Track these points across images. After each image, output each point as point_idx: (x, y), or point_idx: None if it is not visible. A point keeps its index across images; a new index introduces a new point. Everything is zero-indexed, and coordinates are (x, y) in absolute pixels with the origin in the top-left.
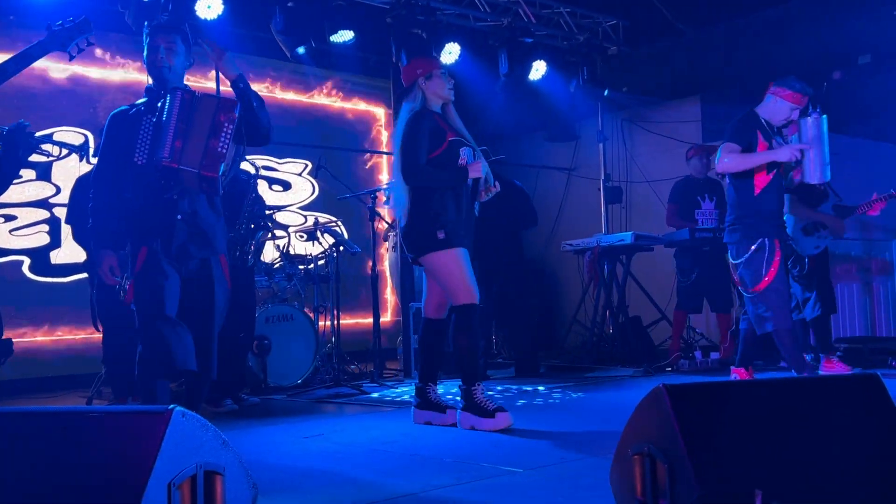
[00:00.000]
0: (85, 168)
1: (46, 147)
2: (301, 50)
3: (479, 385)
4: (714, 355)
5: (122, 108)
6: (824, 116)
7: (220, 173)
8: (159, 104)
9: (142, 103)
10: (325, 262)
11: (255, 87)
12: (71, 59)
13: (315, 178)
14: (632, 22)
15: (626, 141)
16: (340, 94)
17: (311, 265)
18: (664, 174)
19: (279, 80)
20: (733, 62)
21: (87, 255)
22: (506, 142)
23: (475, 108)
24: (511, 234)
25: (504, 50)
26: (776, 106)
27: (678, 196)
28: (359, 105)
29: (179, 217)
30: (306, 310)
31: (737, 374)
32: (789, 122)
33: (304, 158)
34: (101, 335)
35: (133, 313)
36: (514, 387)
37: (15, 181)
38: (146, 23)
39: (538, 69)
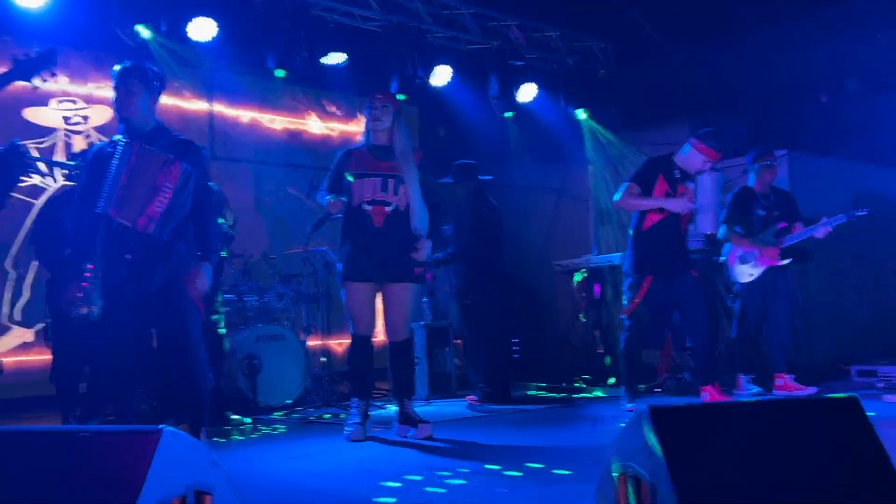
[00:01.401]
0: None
1: (41, 167)
2: (281, 73)
3: (355, 401)
4: None
5: (102, 143)
6: (720, 174)
7: (155, 230)
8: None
9: (115, 142)
10: (316, 282)
11: (246, 109)
12: (34, 89)
13: (308, 198)
14: (621, 45)
15: (614, 161)
16: (333, 114)
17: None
18: None
19: (272, 100)
20: (721, 84)
21: (51, 275)
22: (496, 162)
23: (466, 130)
24: (486, 253)
25: (494, 72)
26: (693, 157)
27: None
28: (352, 126)
29: (128, 256)
30: (297, 329)
31: (706, 391)
32: (699, 173)
33: (297, 178)
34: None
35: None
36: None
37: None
38: (114, 68)
39: (528, 91)
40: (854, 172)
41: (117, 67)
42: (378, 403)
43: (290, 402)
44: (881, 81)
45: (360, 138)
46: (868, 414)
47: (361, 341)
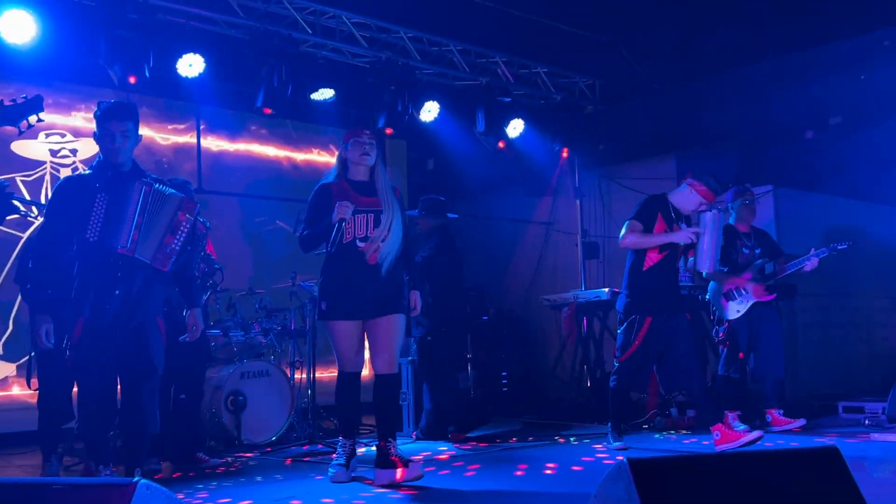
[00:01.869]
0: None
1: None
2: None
3: (341, 440)
4: (690, 412)
5: (72, 176)
6: (723, 214)
7: (171, 267)
8: (119, 188)
9: (93, 176)
10: (303, 316)
11: (235, 141)
12: (20, 133)
13: (295, 233)
14: (607, 81)
15: (602, 196)
16: (321, 148)
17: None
18: None
19: (259, 134)
20: (707, 120)
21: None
22: (484, 195)
23: (454, 163)
24: (445, 288)
25: (482, 108)
26: (689, 197)
27: None
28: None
29: (117, 293)
30: (283, 365)
31: (716, 430)
32: (697, 213)
33: (284, 212)
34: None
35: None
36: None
37: None
38: (99, 103)
39: (516, 127)
40: (839, 208)
41: (109, 106)
42: (365, 441)
43: (274, 438)
44: (864, 119)
45: (335, 173)
46: (856, 454)
47: (348, 378)
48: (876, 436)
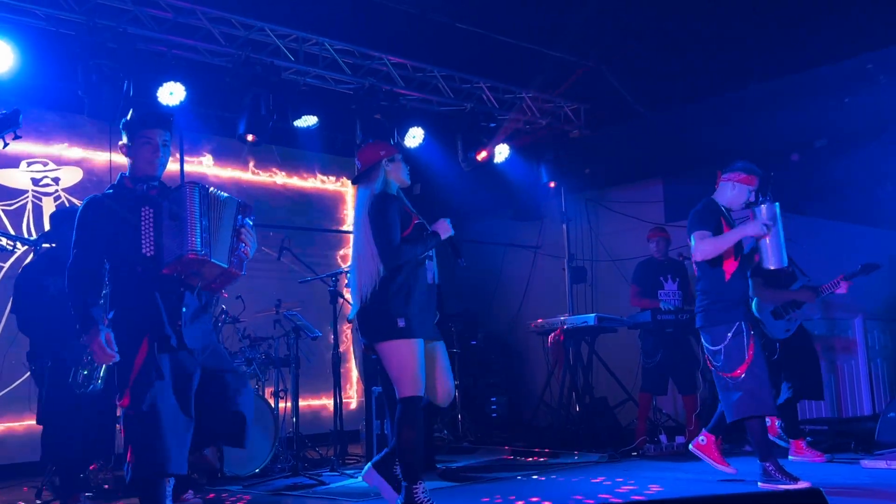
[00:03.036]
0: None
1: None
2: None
3: (420, 483)
4: (679, 439)
5: (95, 197)
6: (777, 203)
7: (244, 272)
8: (166, 196)
9: (122, 194)
10: (287, 345)
11: (217, 168)
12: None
13: (279, 259)
14: (593, 105)
15: (590, 220)
16: (305, 175)
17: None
18: (628, 253)
19: (242, 161)
20: (694, 144)
21: (32, 345)
22: (473, 220)
23: (440, 188)
24: None
25: (466, 134)
26: (735, 191)
27: (641, 277)
28: (324, 185)
29: (184, 310)
30: (266, 394)
31: (705, 436)
32: (749, 205)
33: (268, 238)
34: (42, 430)
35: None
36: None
37: None
38: (132, 110)
39: (501, 152)
40: (827, 230)
41: (149, 112)
42: (350, 472)
43: (258, 470)
44: (849, 142)
45: (380, 186)
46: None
47: (420, 403)
48: (866, 463)
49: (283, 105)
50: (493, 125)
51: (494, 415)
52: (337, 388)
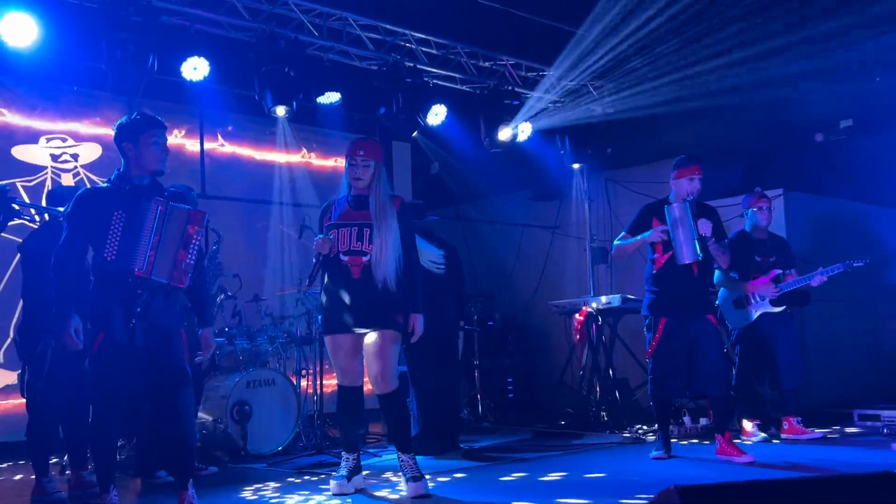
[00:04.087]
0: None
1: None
2: (281, 111)
3: (346, 452)
4: (703, 421)
5: (90, 189)
6: (687, 203)
7: (188, 283)
8: (134, 206)
9: (111, 191)
10: (309, 323)
11: (238, 145)
12: None
13: (300, 238)
14: (616, 84)
15: (610, 201)
16: (326, 152)
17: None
18: None
19: (264, 138)
20: (716, 124)
21: (35, 318)
22: (490, 199)
23: (460, 167)
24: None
25: (489, 112)
26: (679, 186)
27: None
28: (343, 162)
29: (139, 310)
30: (289, 373)
31: (717, 439)
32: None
33: (289, 217)
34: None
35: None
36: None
37: None
38: (136, 113)
39: (524, 130)
40: (850, 212)
41: (152, 117)
42: (372, 451)
43: (280, 449)
44: (876, 123)
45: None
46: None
47: (348, 393)
48: None
49: (306, 81)
50: (515, 103)
51: (511, 395)
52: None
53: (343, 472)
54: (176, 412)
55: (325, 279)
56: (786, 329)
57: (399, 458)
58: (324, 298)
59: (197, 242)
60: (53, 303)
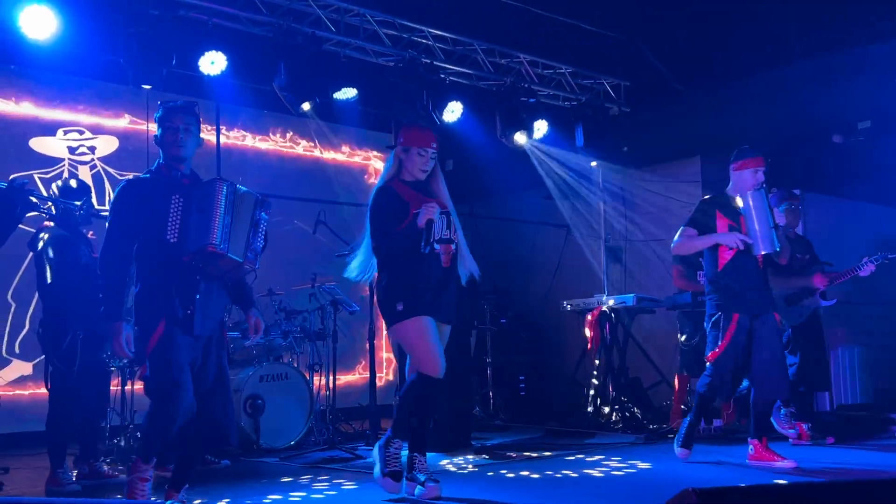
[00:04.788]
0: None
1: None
2: (306, 106)
3: (397, 442)
4: (717, 422)
5: (134, 179)
6: (761, 190)
7: (258, 266)
8: (198, 188)
9: (157, 179)
10: (322, 319)
11: (255, 140)
12: None
13: (315, 233)
14: (633, 82)
15: (625, 199)
16: (342, 147)
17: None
18: (664, 233)
19: (279, 132)
20: (734, 123)
21: (55, 313)
22: (504, 197)
23: (475, 164)
24: None
25: (505, 109)
26: (740, 178)
27: (684, 258)
28: (358, 158)
29: (198, 297)
30: (301, 368)
31: (752, 444)
32: (761, 187)
33: (304, 212)
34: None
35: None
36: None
37: None
38: (160, 103)
39: (539, 128)
40: (868, 214)
41: (174, 104)
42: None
43: (293, 443)
44: (894, 124)
45: (389, 172)
46: None
47: (437, 385)
48: None
49: (322, 77)
50: (532, 100)
51: (523, 393)
52: (371, 362)
53: (423, 476)
54: (214, 415)
55: (404, 263)
56: (815, 330)
57: (416, 458)
58: (408, 282)
59: (264, 229)
60: (102, 303)
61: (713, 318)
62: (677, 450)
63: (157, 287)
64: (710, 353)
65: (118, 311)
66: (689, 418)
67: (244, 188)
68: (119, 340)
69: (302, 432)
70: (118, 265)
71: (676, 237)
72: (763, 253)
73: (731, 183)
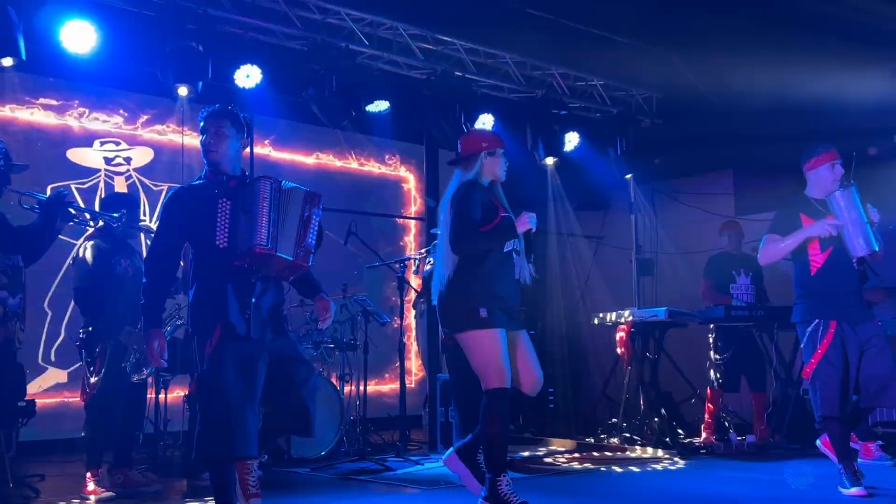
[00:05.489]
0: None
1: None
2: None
3: (504, 476)
4: (750, 438)
5: (180, 187)
6: (852, 188)
7: (310, 264)
8: (242, 188)
9: (205, 184)
10: (353, 329)
11: (287, 151)
12: None
13: (346, 244)
14: (665, 94)
15: (656, 212)
16: (373, 159)
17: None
18: (695, 246)
19: (313, 144)
20: (766, 136)
21: (89, 324)
22: (533, 209)
23: (507, 176)
24: None
25: (536, 121)
26: (817, 177)
27: (712, 271)
28: (389, 170)
29: (254, 300)
30: (332, 378)
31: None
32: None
33: (334, 222)
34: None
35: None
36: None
37: None
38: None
39: (571, 140)
40: None
41: (207, 110)
42: (414, 458)
43: (324, 453)
44: None
45: (471, 174)
46: None
47: (506, 395)
48: None
49: (355, 89)
50: (563, 112)
51: (552, 405)
52: (402, 374)
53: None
54: (302, 405)
55: (489, 268)
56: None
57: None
58: (489, 288)
59: (316, 224)
60: (143, 309)
61: (810, 328)
62: (849, 491)
63: (212, 293)
64: (806, 367)
65: (156, 318)
66: (835, 460)
67: (291, 184)
68: (151, 347)
69: (332, 443)
70: (160, 271)
71: (761, 246)
72: (860, 256)
73: (807, 185)
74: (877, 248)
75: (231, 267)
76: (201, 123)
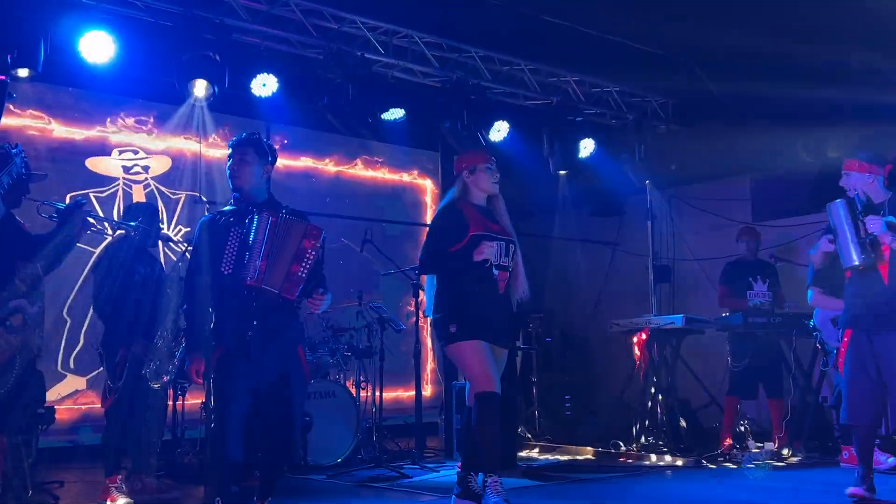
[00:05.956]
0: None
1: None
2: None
3: (495, 475)
4: (768, 445)
5: (212, 215)
6: (839, 201)
7: (298, 294)
8: (247, 220)
9: (230, 212)
10: (369, 336)
11: (304, 159)
12: None
13: (362, 251)
14: (681, 100)
15: (673, 218)
16: (389, 167)
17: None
18: (712, 253)
19: (329, 152)
20: (784, 143)
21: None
22: (548, 215)
23: (520, 182)
24: None
25: (552, 128)
26: (856, 181)
27: (730, 277)
28: (405, 178)
29: (255, 322)
30: (348, 384)
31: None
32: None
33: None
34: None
35: None
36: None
37: None
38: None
39: (586, 147)
40: None
41: (235, 139)
42: (431, 465)
43: (340, 460)
44: None
45: (454, 195)
46: None
47: (495, 399)
48: None
49: (371, 98)
50: (579, 119)
51: (569, 413)
52: (417, 381)
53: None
54: (280, 434)
55: (460, 286)
56: None
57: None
58: (464, 304)
59: (312, 257)
60: (186, 333)
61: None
62: (850, 489)
63: (220, 316)
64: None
65: (195, 343)
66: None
67: (294, 217)
68: (192, 370)
69: (349, 450)
70: (195, 296)
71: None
72: (850, 266)
73: (852, 187)
74: (855, 263)
75: (233, 291)
76: (228, 150)
